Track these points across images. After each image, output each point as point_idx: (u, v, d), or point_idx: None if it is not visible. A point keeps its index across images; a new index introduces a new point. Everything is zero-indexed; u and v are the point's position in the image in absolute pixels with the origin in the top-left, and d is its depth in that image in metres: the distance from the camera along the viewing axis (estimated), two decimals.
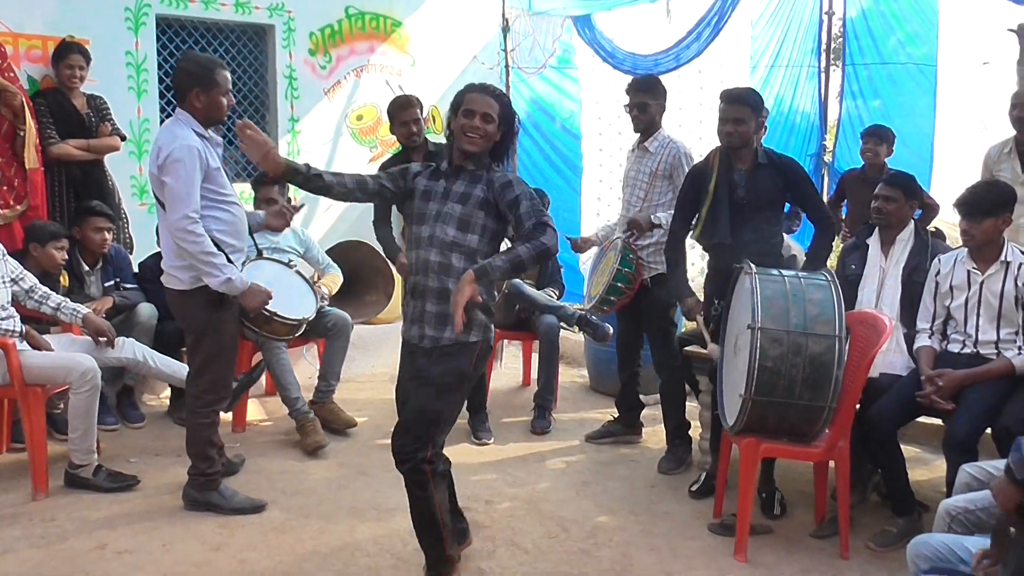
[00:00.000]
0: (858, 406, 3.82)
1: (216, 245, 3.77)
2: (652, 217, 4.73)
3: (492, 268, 2.97)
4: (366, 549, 3.74)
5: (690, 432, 4.88)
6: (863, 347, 3.77)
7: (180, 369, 4.74)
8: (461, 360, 3.14)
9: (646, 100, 4.83)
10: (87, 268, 5.16)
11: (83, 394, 4.23)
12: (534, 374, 5.87)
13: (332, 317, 5.26)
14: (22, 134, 5.06)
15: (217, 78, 3.85)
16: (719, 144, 4.25)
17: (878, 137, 5.83)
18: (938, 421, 4.18)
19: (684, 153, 4.80)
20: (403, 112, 5.02)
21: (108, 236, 5.11)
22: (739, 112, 4.12)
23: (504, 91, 3.32)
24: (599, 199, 7.75)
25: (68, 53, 5.39)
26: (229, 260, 3.81)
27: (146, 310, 5.16)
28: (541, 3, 7.61)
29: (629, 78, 5.36)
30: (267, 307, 4.26)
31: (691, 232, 4.54)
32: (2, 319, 4.27)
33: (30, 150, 5.07)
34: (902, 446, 3.90)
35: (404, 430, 3.16)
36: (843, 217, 6.14)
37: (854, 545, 3.77)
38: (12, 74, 5.23)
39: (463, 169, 3.21)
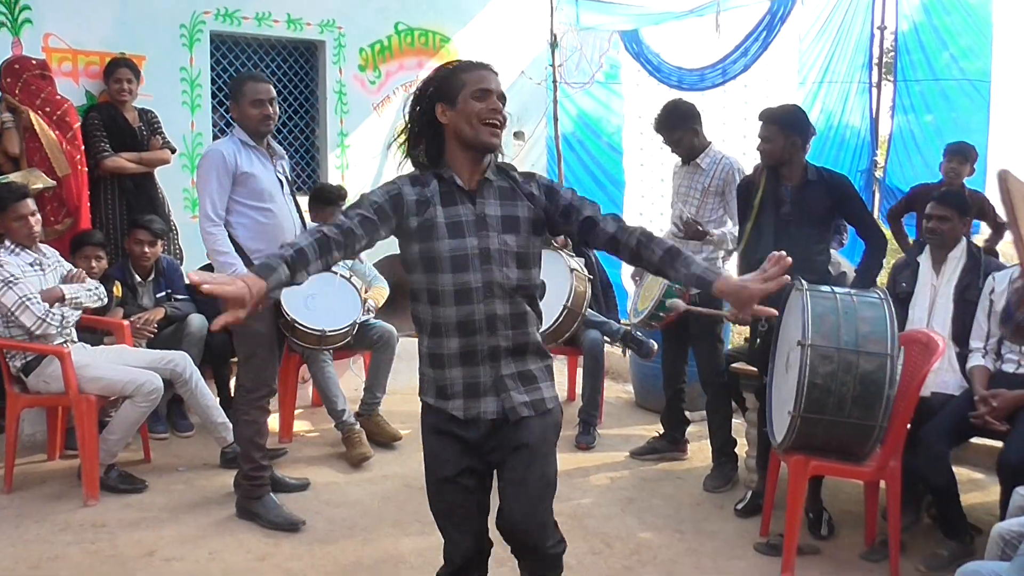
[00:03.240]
0: (909, 426, 3.75)
1: (240, 249, 3.89)
2: (708, 234, 4.69)
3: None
4: (410, 562, 3.75)
5: (736, 449, 4.83)
6: (915, 366, 3.71)
7: (213, 408, 4.75)
8: (556, 412, 2.60)
9: (679, 135, 4.78)
10: (139, 279, 5.26)
11: (140, 407, 4.33)
12: (579, 389, 5.85)
13: (378, 330, 5.28)
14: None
15: (244, 89, 3.98)
16: None
17: (963, 155, 5.65)
18: (992, 442, 4.09)
19: (737, 169, 4.76)
20: None
21: (148, 249, 5.18)
22: (766, 131, 4.14)
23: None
24: (641, 215, 7.71)
25: (116, 68, 5.52)
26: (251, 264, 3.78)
27: (197, 321, 5.23)
28: (589, 18, 7.63)
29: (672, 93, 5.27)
30: (288, 313, 4.27)
31: (736, 247, 4.51)
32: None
33: (56, 156, 5.07)
34: (955, 468, 3.82)
35: (539, 526, 2.50)
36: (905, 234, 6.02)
37: (904, 568, 3.70)
38: (42, 84, 5.18)
39: (487, 182, 2.46)
